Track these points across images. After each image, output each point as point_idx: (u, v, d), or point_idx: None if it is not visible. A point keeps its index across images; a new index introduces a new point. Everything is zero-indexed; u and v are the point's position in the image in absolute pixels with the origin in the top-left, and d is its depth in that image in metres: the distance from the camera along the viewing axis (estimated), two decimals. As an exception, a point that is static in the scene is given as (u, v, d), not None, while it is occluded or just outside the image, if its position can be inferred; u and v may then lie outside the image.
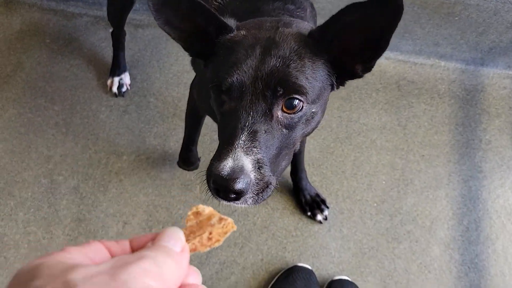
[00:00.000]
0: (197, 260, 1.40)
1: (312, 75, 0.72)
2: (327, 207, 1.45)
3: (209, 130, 1.55)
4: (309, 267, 1.37)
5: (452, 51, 1.73)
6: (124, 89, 1.61)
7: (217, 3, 1.00)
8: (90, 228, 1.43)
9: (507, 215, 1.51)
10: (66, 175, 1.49)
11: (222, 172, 0.65)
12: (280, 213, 1.46)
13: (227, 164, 0.65)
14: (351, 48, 0.72)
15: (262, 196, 0.68)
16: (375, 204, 1.50)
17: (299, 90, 0.70)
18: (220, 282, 1.38)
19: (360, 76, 0.76)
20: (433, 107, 1.67)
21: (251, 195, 0.67)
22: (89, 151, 1.53)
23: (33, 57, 1.68)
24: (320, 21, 0.81)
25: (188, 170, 1.48)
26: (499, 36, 1.65)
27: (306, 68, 0.71)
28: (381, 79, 1.71)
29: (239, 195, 0.66)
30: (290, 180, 1.47)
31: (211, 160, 0.70)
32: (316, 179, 1.52)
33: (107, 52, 1.70)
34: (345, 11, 0.67)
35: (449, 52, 1.73)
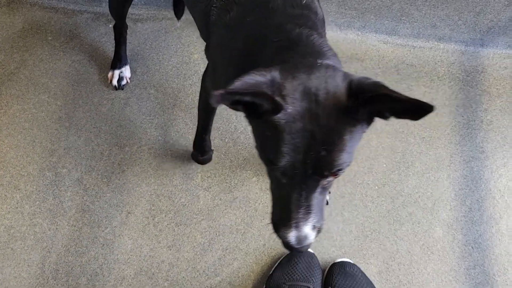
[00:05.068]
0: (199, 247, 1.41)
1: (353, 143, 0.73)
2: (328, 192, 1.46)
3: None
4: (311, 251, 1.37)
5: (450, 33, 1.72)
6: (123, 82, 1.63)
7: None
8: (94, 218, 1.45)
9: (511, 194, 1.50)
10: (70, 167, 1.52)
11: (292, 242, 0.78)
12: (281, 198, 1.47)
13: (294, 235, 0.78)
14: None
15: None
16: (376, 187, 1.50)
17: (344, 167, 0.73)
18: (223, 268, 1.39)
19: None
20: (433, 89, 1.67)
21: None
22: (91, 144, 1.56)
23: (36, 54, 1.71)
24: None
25: (202, 163, 1.50)
26: (497, 15, 1.63)
27: (347, 141, 0.71)
28: (380, 63, 1.71)
29: None
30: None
31: (274, 220, 0.83)
32: (316, 164, 1.53)
33: (108, 47, 1.72)
34: (406, 101, 0.65)
35: (448, 34, 1.72)
